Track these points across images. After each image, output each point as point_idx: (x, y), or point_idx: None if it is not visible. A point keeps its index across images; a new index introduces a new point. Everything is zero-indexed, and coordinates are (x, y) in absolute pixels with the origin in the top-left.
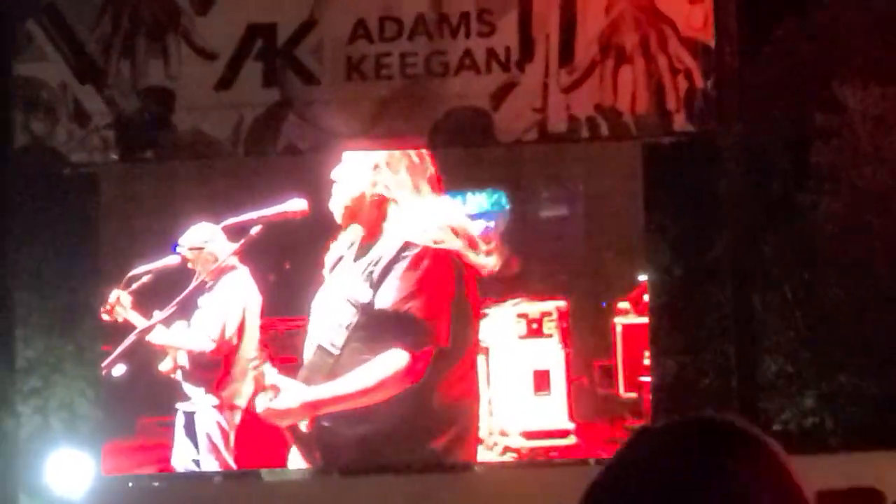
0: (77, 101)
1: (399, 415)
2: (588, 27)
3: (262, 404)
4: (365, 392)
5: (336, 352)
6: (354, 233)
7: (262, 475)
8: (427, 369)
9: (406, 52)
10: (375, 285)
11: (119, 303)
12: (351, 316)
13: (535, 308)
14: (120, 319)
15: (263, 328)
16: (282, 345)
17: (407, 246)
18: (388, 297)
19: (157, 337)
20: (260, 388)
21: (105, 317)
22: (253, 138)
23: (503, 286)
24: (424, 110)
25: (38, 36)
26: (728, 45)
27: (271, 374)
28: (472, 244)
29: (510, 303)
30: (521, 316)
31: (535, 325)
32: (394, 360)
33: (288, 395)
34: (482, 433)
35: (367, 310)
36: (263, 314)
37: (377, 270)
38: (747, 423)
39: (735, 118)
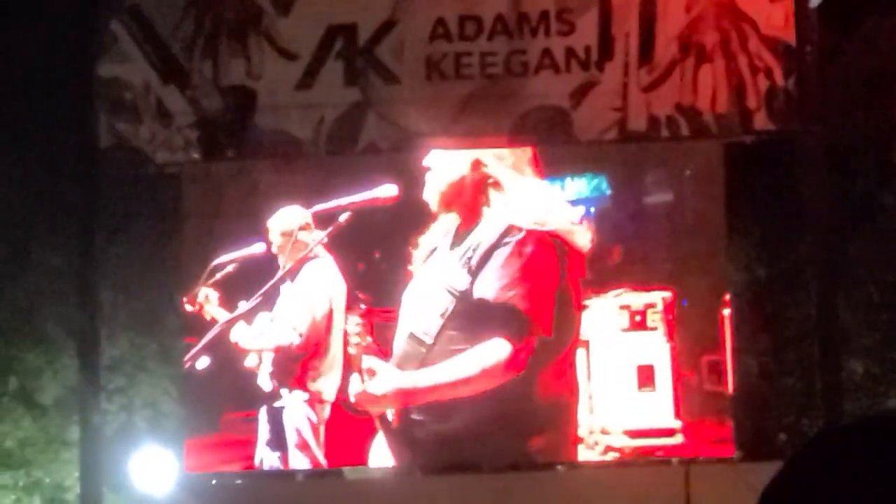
0: (160, 100)
1: (495, 410)
2: (668, 26)
3: (355, 388)
4: (465, 381)
5: (429, 341)
6: (449, 222)
7: (348, 473)
8: (529, 360)
9: (486, 51)
10: (474, 272)
11: (207, 300)
12: (447, 304)
13: (638, 299)
14: (208, 317)
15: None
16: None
17: (510, 230)
18: (488, 284)
19: (242, 340)
20: (356, 369)
21: (188, 308)
22: (333, 137)
23: (605, 276)
24: (504, 109)
25: (122, 37)
26: (809, 43)
27: (367, 357)
28: (575, 228)
29: (612, 294)
30: (623, 307)
31: (638, 318)
32: (496, 349)
33: (383, 379)
34: (582, 432)
35: (465, 298)
36: (349, 305)
37: (476, 256)
38: None
39: (816, 117)
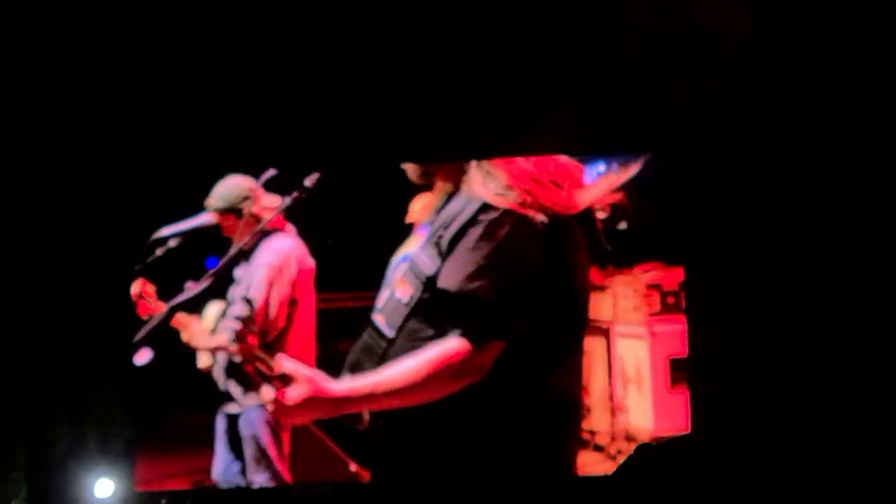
0: None
1: (470, 416)
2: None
3: (267, 396)
4: (408, 388)
5: (391, 334)
6: (444, 191)
7: (314, 488)
8: (494, 364)
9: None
10: (444, 255)
11: (144, 293)
12: (413, 292)
13: (670, 277)
14: (144, 316)
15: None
16: (336, 326)
17: (485, 208)
18: (452, 271)
19: (190, 334)
20: (264, 377)
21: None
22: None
23: (628, 250)
24: (467, 119)
25: None
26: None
27: (281, 359)
28: (580, 197)
29: (638, 271)
30: (652, 288)
31: (670, 300)
32: (448, 349)
33: (301, 386)
34: (602, 439)
35: (431, 286)
36: (320, 287)
37: (447, 237)
38: None
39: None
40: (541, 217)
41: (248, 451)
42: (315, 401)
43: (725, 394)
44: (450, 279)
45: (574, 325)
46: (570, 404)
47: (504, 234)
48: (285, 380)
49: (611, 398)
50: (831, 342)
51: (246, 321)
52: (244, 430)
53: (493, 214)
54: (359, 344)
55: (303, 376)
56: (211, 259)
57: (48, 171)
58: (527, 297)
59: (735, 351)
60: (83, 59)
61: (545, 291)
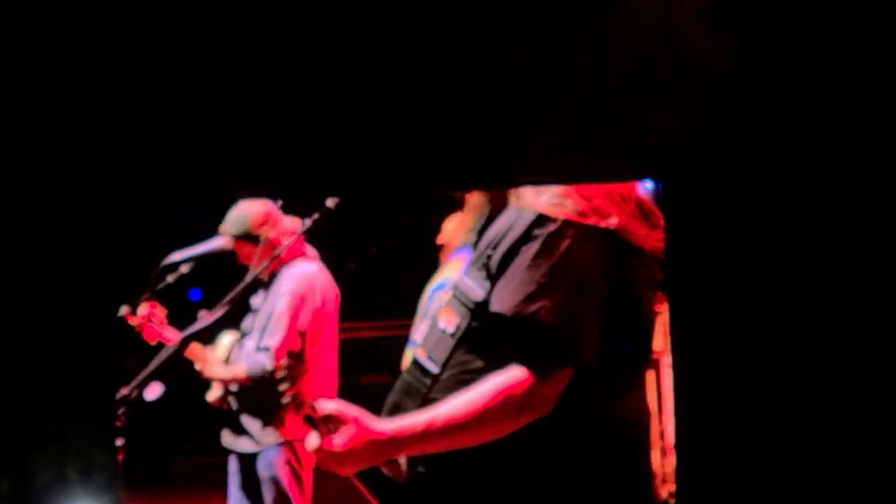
0: None
1: (528, 458)
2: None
3: (312, 443)
4: (463, 424)
5: (435, 370)
6: (479, 208)
7: None
8: (560, 396)
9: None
10: (494, 277)
11: (152, 316)
12: (459, 321)
13: None
14: (152, 341)
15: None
16: (367, 358)
17: (541, 221)
18: (509, 293)
19: (203, 364)
20: (310, 421)
21: (132, 322)
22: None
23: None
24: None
25: None
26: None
27: (325, 402)
28: (641, 213)
29: None
30: None
31: None
32: (508, 381)
33: (347, 429)
34: (655, 483)
35: (481, 312)
36: (341, 315)
37: (496, 257)
38: None
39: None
40: (606, 223)
41: (268, 494)
42: (365, 445)
43: (725, 394)
44: (505, 302)
45: (643, 354)
46: (639, 444)
47: (565, 247)
48: (329, 422)
49: (661, 436)
50: (831, 342)
51: (295, 356)
52: (262, 471)
53: (550, 227)
54: (398, 384)
55: (349, 417)
56: (194, 290)
57: (48, 171)
58: (595, 320)
59: (735, 351)
60: (83, 59)
61: (615, 314)
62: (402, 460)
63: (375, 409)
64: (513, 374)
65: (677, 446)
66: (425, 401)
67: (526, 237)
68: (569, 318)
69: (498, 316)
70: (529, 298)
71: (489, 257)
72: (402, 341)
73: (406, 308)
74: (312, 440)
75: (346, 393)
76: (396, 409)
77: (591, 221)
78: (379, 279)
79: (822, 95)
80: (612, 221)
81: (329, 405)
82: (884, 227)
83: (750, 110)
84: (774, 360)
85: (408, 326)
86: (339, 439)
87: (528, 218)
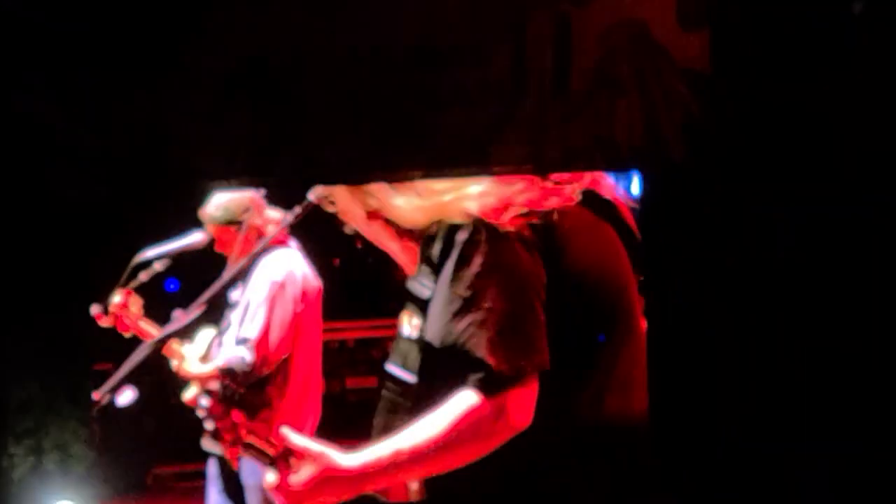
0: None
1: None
2: (583, 58)
3: (271, 481)
4: (430, 452)
5: (411, 379)
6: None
7: None
8: (537, 402)
9: (400, 84)
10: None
11: (126, 306)
12: (421, 323)
13: None
14: (127, 334)
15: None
16: (353, 360)
17: (458, 225)
18: (434, 318)
19: (180, 364)
20: (263, 456)
21: (102, 321)
22: (246, 173)
23: None
24: (420, 143)
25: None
26: (725, 75)
27: (284, 432)
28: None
29: None
30: None
31: None
32: (463, 408)
33: (309, 466)
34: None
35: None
36: (325, 315)
37: (435, 251)
38: None
39: (732, 149)
40: (514, 216)
41: (253, 502)
42: (328, 481)
43: (725, 393)
44: (433, 328)
45: (625, 338)
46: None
47: (483, 252)
48: (288, 457)
49: None
50: (831, 342)
51: (233, 376)
52: (248, 478)
53: (463, 233)
54: (381, 403)
55: (312, 453)
56: (171, 281)
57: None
58: (535, 318)
59: (734, 351)
60: (83, 59)
61: (562, 310)
62: (415, 485)
63: (361, 415)
64: (467, 401)
65: (669, 446)
66: (412, 414)
67: (450, 243)
68: (504, 327)
69: (429, 345)
70: (457, 315)
71: (431, 263)
72: (390, 343)
73: (395, 307)
74: (270, 477)
75: (328, 398)
76: (387, 431)
77: (499, 218)
78: (365, 276)
79: (822, 95)
80: (522, 212)
81: (292, 438)
82: (884, 227)
83: (749, 110)
84: (774, 360)
85: (396, 326)
86: (300, 477)
87: (458, 218)
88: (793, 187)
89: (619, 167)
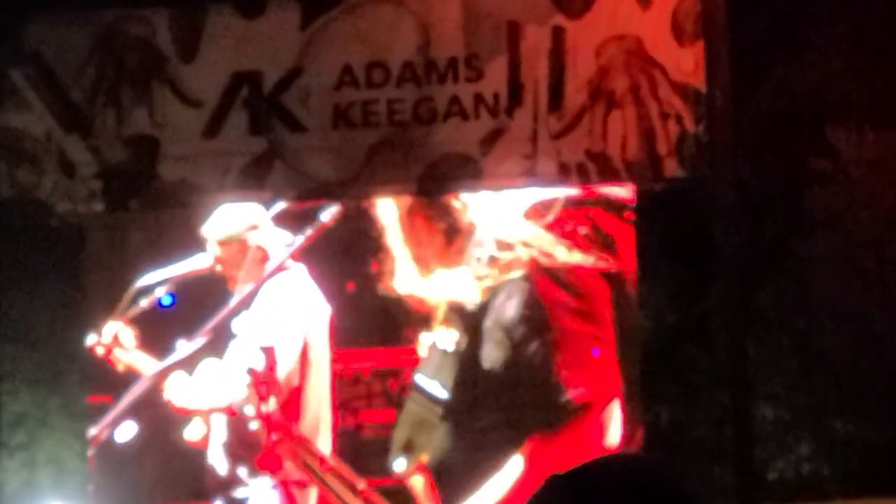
0: (62, 150)
1: None
2: (578, 72)
3: None
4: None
5: (443, 395)
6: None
7: None
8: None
9: (393, 98)
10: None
11: (117, 341)
12: (459, 335)
13: None
14: (120, 367)
15: (333, 362)
16: (368, 392)
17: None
18: (491, 351)
19: (181, 397)
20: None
21: (98, 351)
22: (240, 187)
23: None
24: (412, 157)
25: (22, 85)
26: (720, 89)
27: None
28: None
29: None
30: None
31: None
32: (511, 477)
33: None
34: None
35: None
36: (335, 341)
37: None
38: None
39: (727, 163)
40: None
41: None
42: None
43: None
44: (490, 358)
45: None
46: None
47: (534, 294)
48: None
49: None
50: (832, 342)
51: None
52: None
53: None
54: (404, 416)
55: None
56: (165, 295)
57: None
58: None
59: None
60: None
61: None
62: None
63: (377, 452)
64: (515, 467)
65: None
66: (439, 432)
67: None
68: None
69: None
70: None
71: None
72: (409, 373)
73: (413, 334)
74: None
75: (343, 434)
76: (409, 447)
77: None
78: (381, 301)
79: (814, 108)
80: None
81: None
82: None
83: (749, 110)
84: (773, 360)
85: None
86: None
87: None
88: (788, 195)
89: (613, 181)
